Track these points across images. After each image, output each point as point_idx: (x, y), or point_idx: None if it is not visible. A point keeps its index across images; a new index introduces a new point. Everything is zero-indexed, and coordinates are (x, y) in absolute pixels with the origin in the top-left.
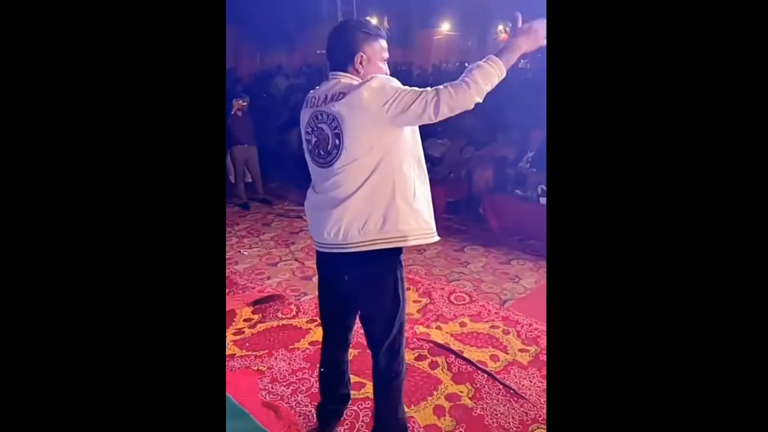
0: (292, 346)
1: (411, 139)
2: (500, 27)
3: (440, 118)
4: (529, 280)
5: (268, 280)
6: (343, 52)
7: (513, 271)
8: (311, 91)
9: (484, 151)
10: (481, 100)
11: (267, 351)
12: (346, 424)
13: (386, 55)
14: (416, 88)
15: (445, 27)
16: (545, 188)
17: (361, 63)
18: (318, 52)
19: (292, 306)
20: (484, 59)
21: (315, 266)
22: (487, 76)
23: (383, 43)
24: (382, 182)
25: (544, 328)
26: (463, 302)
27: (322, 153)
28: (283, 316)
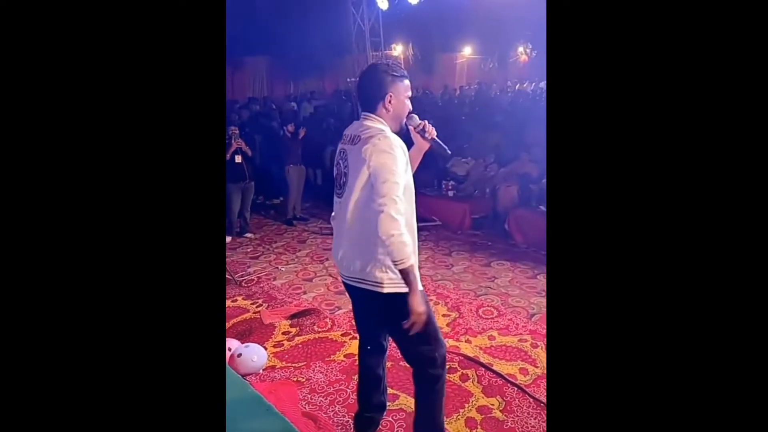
0: (328, 358)
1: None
2: (520, 49)
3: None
4: None
5: (304, 295)
6: (373, 94)
7: (540, 286)
8: (347, 128)
9: (508, 169)
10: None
11: (305, 363)
12: None
13: (410, 93)
14: (392, 180)
15: (467, 51)
16: None
17: (390, 102)
18: (348, 80)
19: (327, 319)
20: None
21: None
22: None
23: (407, 82)
24: (368, 225)
25: None
26: (491, 316)
27: (338, 184)
28: (319, 330)
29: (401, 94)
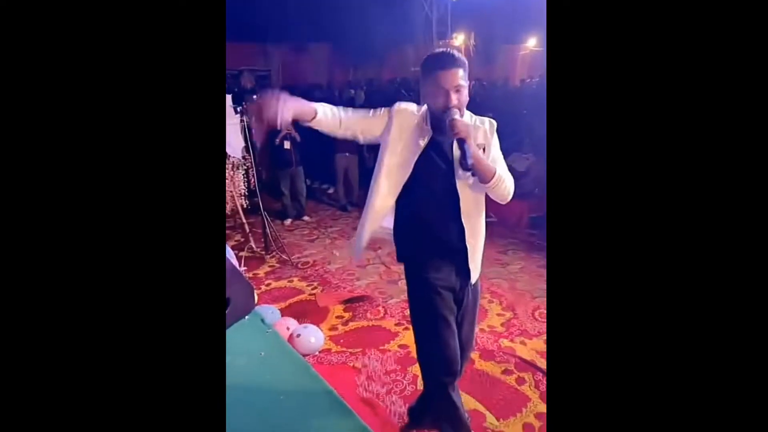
0: (382, 347)
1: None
2: None
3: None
4: None
5: (357, 281)
6: (423, 83)
7: None
8: None
9: None
10: None
11: (361, 349)
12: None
13: (459, 83)
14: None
15: (531, 42)
16: None
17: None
18: (413, 69)
19: (380, 308)
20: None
21: (400, 271)
22: None
23: (455, 72)
24: None
25: None
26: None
27: None
28: (372, 317)
29: (440, 86)
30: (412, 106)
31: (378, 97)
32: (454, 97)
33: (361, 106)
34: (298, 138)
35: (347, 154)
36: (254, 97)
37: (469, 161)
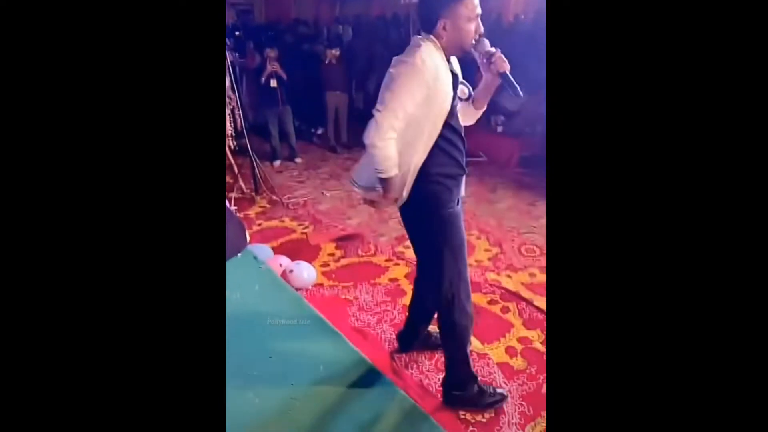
0: (373, 281)
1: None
2: None
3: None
4: None
5: (348, 221)
6: (428, 18)
7: None
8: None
9: None
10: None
11: (352, 283)
12: (427, 353)
13: (475, 12)
14: (398, 92)
15: None
16: None
17: (444, 29)
18: (402, 1)
19: (371, 245)
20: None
21: (391, 210)
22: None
23: (469, 4)
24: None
25: None
26: (533, 254)
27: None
28: (363, 254)
29: (461, 18)
30: (429, 46)
31: (366, 33)
32: (480, 27)
33: (349, 43)
34: (284, 76)
35: (338, 92)
36: (236, 33)
37: (520, 89)
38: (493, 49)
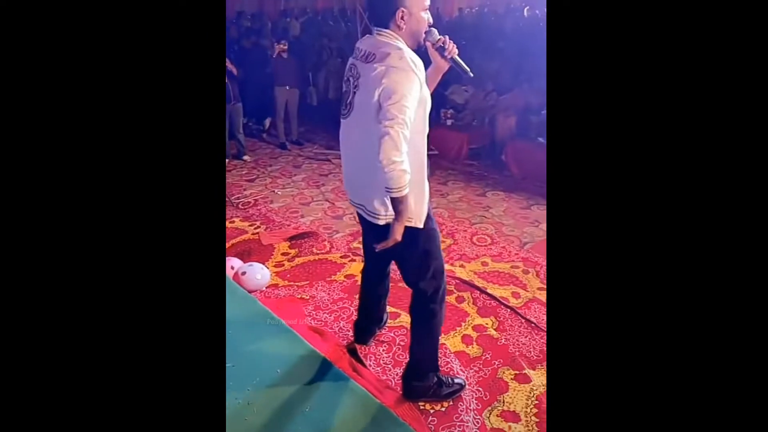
0: (329, 278)
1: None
2: None
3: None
4: None
5: (301, 219)
6: (384, 9)
7: (533, 216)
8: (359, 42)
9: (508, 98)
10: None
11: (308, 282)
12: (385, 346)
13: (428, 3)
14: (402, 103)
15: None
16: None
17: (402, 18)
18: None
19: (326, 242)
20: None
21: (344, 207)
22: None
23: None
24: (372, 151)
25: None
26: (484, 243)
27: (344, 103)
28: (318, 252)
29: (416, 6)
30: (402, 44)
31: (314, 28)
32: (430, 17)
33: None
34: (235, 71)
35: (287, 87)
36: None
37: (470, 70)
38: (442, 37)
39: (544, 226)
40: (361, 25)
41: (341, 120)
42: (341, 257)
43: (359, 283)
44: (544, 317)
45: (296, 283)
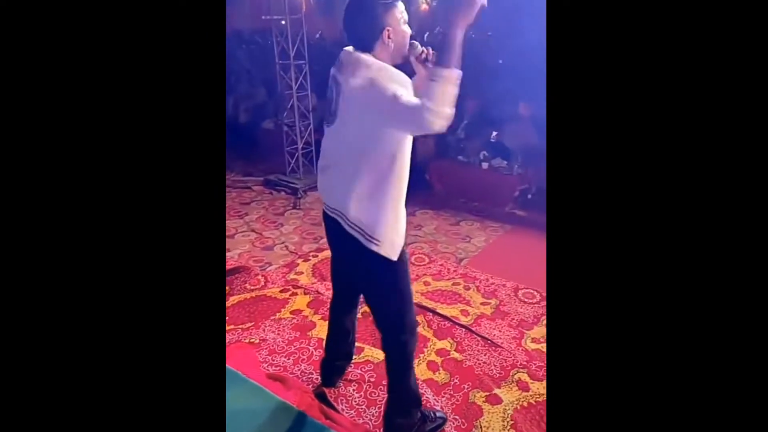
0: (274, 317)
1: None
2: None
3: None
4: (479, 239)
5: (227, 253)
6: (367, 33)
7: (463, 232)
8: (342, 53)
9: None
10: (446, 123)
11: (253, 323)
12: (354, 385)
13: (407, 16)
14: (398, 95)
15: None
16: (487, 154)
17: (389, 37)
18: (263, 17)
19: (259, 277)
20: (432, 76)
21: (274, 236)
22: (440, 96)
23: (401, 5)
24: (360, 161)
25: (500, 282)
26: (423, 263)
27: (329, 111)
28: (252, 287)
29: (398, 22)
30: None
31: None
32: (408, 29)
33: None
34: None
35: None
36: None
37: None
38: (425, 49)
39: (475, 241)
40: (277, 49)
41: (325, 127)
42: (281, 291)
43: (310, 319)
44: (495, 332)
45: (240, 326)
